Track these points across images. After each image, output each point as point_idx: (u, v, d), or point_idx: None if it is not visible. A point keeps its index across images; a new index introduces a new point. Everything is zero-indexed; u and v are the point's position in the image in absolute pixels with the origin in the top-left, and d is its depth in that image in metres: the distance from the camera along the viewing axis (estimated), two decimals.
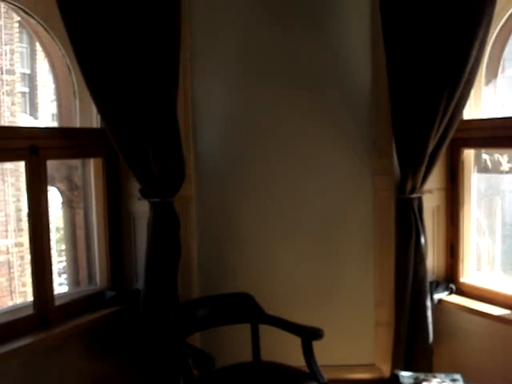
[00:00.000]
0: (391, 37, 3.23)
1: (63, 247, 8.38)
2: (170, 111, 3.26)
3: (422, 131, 3.18)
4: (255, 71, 3.64)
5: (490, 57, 3.46)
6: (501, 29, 3.41)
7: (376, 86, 3.53)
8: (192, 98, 3.59)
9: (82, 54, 3.13)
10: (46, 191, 3.17)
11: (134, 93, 3.14)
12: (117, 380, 3.50)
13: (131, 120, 3.18)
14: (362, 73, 3.59)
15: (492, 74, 3.54)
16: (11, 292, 10.31)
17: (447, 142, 3.27)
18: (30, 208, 3.14)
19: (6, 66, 11.09)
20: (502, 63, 3.54)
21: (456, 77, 3.06)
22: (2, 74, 11.00)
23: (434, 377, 2.90)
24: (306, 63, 3.62)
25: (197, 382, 3.06)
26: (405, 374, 2.95)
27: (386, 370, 3.56)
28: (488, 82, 3.54)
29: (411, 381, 2.87)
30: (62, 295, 3.49)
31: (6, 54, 11.12)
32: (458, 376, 2.88)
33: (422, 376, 2.92)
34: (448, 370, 3.09)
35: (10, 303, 10.22)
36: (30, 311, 3.15)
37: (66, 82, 3.64)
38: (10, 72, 11.25)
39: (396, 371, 3.06)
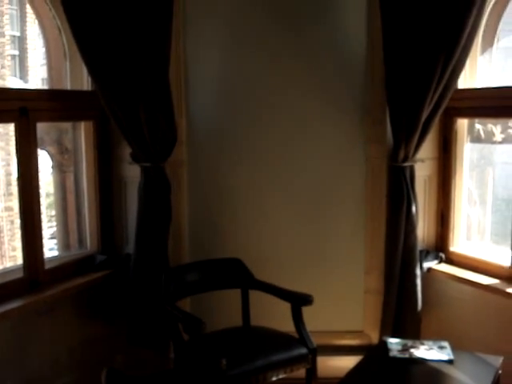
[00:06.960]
0: (387, 2, 3.18)
1: (53, 213, 8.36)
2: (162, 74, 3.21)
3: (416, 99, 3.16)
4: (249, 37, 3.59)
5: (486, 25, 3.42)
6: None
7: (371, 54, 3.49)
8: (185, 63, 3.55)
9: (73, 14, 3.07)
10: (35, 154, 3.14)
11: (125, 54, 3.09)
12: (106, 343, 3.52)
13: (123, 82, 3.13)
14: (357, 40, 3.56)
15: (488, 44, 3.50)
16: (1, 256, 10.29)
17: (441, 110, 3.26)
18: (19, 170, 3.10)
19: None
20: (497, 33, 3.50)
21: (452, 43, 3.02)
22: None
23: (422, 344, 2.95)
24: (301, 29, 3.57)
25: (187, 345, 3.08)
26: (393, 341, 2.99)
27: (374, 337, 3.60)
28: (483, 51, 3.50)
29: (399, 347, 2.90)
30: (52, 259, 3.49)
31: None
32: (445, 343, 2.93)
33: (410, 343, 2.96)
34: (435, 337, 3.12)
35: (0, 267, 10.22)
36: (20, 274, 3.15)
37: (57, 44, 3.58)
38: (0, 34, 11.05)
39: (384, 338, 3.10)
